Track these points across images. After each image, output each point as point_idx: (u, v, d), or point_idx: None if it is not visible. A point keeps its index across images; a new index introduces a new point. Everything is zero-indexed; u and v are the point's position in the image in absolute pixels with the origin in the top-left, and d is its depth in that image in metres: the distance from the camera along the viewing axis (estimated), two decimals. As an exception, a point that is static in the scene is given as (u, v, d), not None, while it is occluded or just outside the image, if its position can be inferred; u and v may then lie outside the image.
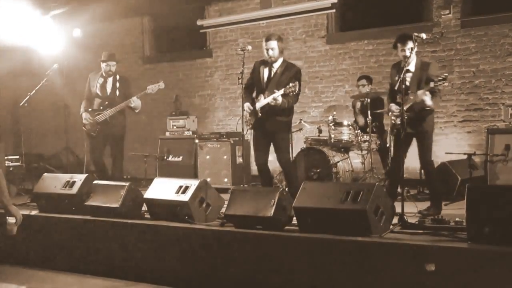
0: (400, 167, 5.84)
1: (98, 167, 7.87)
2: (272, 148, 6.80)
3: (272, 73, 6.65)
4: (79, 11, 10.16)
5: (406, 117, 5.77)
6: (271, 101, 6.42)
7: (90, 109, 7.92)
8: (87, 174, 6.80)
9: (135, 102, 7.71)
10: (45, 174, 7.11)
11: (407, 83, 6.07)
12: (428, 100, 5.99)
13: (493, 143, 7.12)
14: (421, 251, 4.43)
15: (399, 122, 5.99)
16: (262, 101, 6.58)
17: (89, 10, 10.19)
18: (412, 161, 7.93)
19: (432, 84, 5.91)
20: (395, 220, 5.13)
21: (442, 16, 8.79)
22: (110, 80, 7.97)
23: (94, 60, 8.61)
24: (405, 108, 5.86)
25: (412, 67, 6.17)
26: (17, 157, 9.30)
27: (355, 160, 8.14)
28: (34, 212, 6.69)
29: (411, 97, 6.06)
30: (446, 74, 5.98)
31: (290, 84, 6.34)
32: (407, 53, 6.04)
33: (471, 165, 7.24)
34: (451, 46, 8.69)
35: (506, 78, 8.38)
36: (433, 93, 6.04)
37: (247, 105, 6.69)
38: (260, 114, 6.62)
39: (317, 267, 4.79)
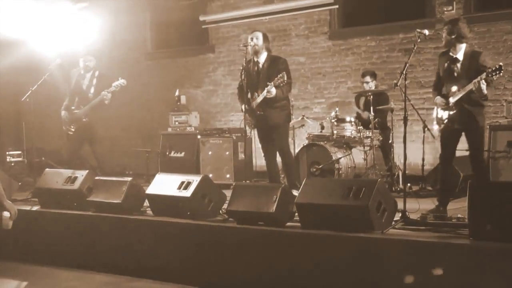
0: (450, 168, 5.73)
1: (72, 167, 7.73)
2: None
3: (259, 69, 6.80)
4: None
5: (455, 111, 5.62)
6: (266, 95, 6.54)
7: (69, 107, 7.84)
8: (88, 170, 6.80)
9: (106, 95, 7.58)
10: (47, 169, 7.10)
11: (455, 74, 5.75)
12: (484, 88, 5.45)
13: (495, 139, 7.11)
14: (423, 248, 4.42)
15: (446, 117, 5.74)
16: (258, 98, 6.71)
17: (91, 5, 10.18)
18: (414, 156, 7.94)
19: (484, 75, 5.46)
20: (397, 216, 5.12)
21: (445, 12, 8.74)
22: (88, 75, 7.84)
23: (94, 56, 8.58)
24: (453, 101, 5.67)
25: (460, 55, 5.75)
26: (19, 152, 9.30)
27: (358, 156, 8.13)
28: (35, 208, 6.68)
29: (459, 90, 5.67)
30: (501, 64, 5.56)
31: (278, 76, 6.48)
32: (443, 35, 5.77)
33: (474, 162, 7.22)
34: (454, 43, 8.65)
35: (509, 75, 8.31)
36: (488, 83, 5.51)
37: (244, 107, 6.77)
38: (259, 112, 6.72)
39: (319, 263, 4.79)
